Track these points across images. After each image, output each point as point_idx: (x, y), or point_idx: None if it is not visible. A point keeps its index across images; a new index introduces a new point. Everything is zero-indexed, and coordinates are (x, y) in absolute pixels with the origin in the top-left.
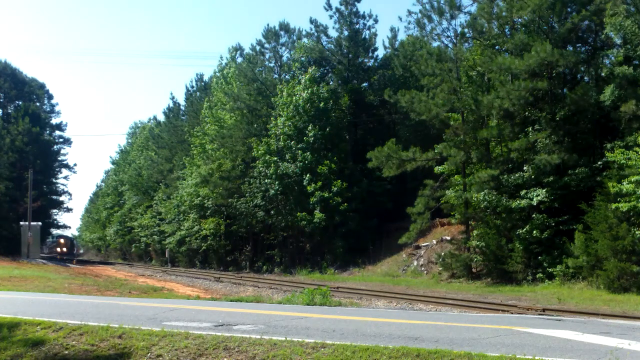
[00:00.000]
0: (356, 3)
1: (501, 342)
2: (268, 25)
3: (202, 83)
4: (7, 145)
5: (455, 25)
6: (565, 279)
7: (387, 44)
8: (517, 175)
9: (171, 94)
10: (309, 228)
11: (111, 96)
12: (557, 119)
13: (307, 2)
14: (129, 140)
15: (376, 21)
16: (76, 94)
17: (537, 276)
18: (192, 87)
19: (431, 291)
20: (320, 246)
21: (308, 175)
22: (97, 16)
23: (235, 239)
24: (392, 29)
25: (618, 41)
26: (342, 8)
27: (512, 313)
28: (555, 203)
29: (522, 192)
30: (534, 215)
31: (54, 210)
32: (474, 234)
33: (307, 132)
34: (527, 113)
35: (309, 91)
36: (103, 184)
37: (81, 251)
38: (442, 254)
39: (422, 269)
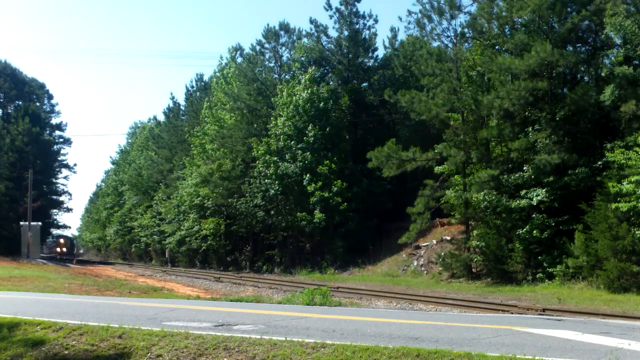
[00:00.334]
0: (356, 3)
1: (501, 342)
2: (268, 25)
3: (202, 83)
4: (7, 145)
5: (455, 25)
6: (565, 279)
7: (387, 44)
8: (517, 175)
9: (171, 94)
10: (309, 228)
11: (111, 96)
12: (557, 119)
13: (307, 2)
14: (129, 140)
15: (376, 21)
16: (76, 94)
17: (537, 276)
18: (192, 87)
19: (431, 291)
20: (320, 246)
21: (308, 175)
22: (97, 16)
23: (235, 239)
24: (392, 29)
25: (618, 41)
26: (342, 8)
27: (512, 313)
28: (555, 203)
29: (522, 192)
30: (534, 215)
31: (54, 210)
32: (474, 234)
33: (307, 132)
34: (527, 113)
35: (309, 91)
36: (103, 184)
37: (81, 251)
38: (442, 254)
39: (422, 269)
